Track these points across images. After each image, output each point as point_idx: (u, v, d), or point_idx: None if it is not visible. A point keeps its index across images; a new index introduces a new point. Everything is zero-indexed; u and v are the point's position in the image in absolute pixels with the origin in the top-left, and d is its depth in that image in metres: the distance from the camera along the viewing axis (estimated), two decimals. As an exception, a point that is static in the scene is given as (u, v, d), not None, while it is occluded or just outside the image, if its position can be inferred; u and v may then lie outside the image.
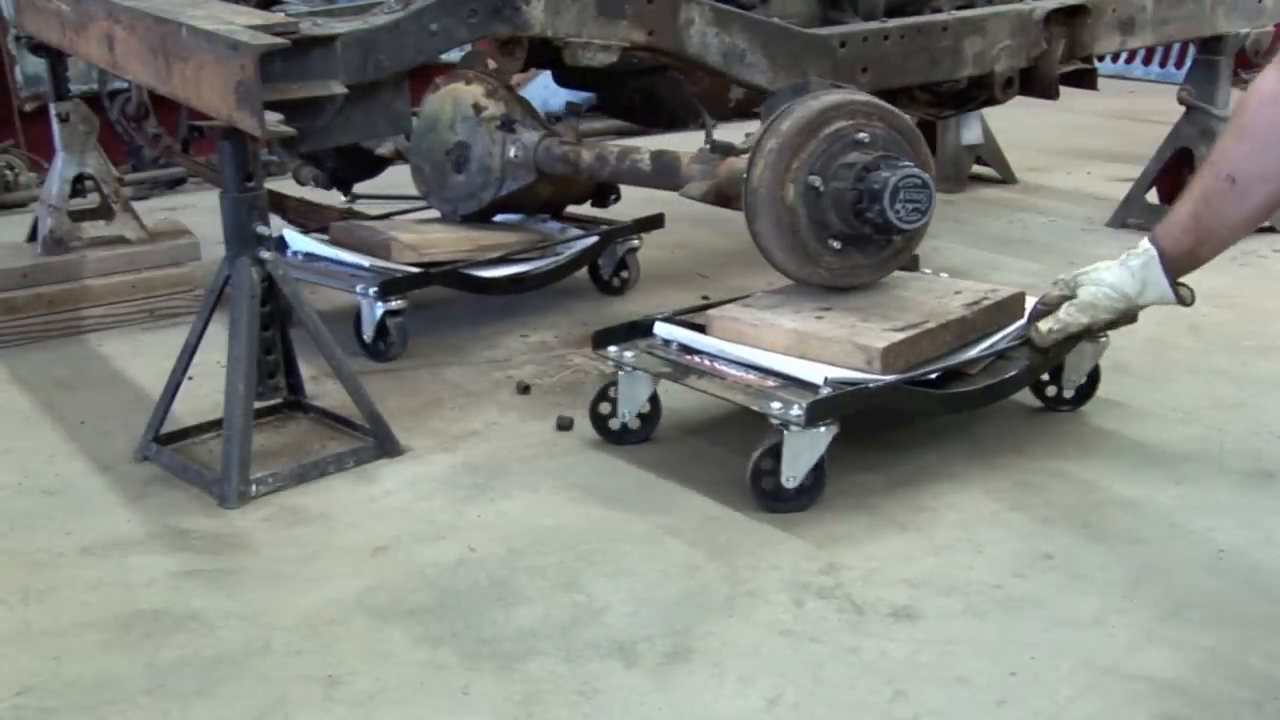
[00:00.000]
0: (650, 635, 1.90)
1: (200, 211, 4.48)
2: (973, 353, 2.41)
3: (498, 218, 3.47)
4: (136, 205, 3.78)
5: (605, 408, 2.56)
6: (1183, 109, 4.04)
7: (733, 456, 2.50)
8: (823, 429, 2.17)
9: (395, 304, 3.05)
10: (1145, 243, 2.21)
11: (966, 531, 2.17)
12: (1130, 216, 4.18)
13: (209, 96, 2.32)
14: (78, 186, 3.53)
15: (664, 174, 2.96)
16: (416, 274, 3.11)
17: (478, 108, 3.26)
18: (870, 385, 2.22)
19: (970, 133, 4.72)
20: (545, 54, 3.17)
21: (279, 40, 2.23)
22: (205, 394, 2.81)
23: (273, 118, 2.21)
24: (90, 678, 1.84)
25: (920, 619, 1.92)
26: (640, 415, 2.55)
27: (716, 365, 2.39)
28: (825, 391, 2.20)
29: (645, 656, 1.85)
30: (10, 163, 5.06)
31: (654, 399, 2.55)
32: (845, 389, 2.21)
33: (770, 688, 1.76)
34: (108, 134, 3.78)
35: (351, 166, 3.65)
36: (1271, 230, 4.05)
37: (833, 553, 2.11)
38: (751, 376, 2.32)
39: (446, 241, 3.25)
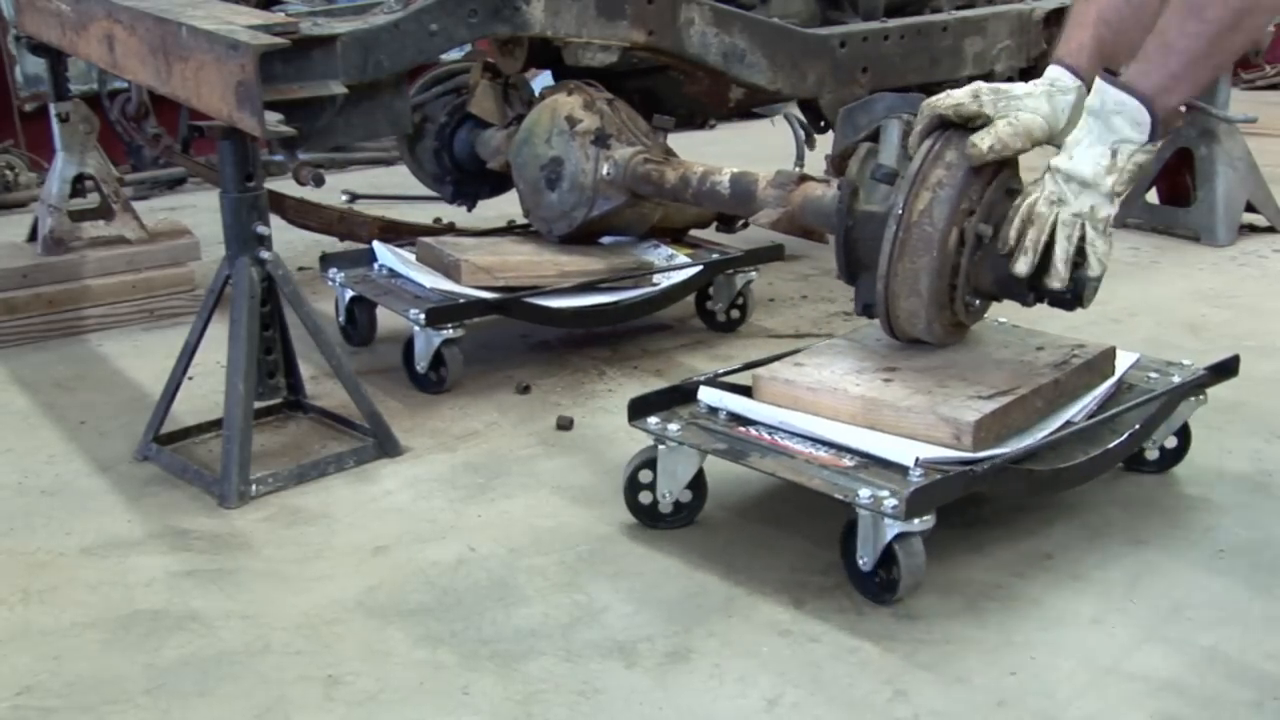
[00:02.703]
0: (650, 635, 1.90)
1: (200, 211, 4.48)
2: (1064, 418, 2.14)
3: (605, 240, 3.21)
4: (136, 205, 3.78)
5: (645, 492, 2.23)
6: (1183, 109, 4.04)
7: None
8: (916, 522, 1.87)
9: (450, 333, 2.82)
10: (1121, 96, 1.93)
11: (966, 531, 2.17)
12: (1130, 216, 4.17)
13: (209, 96, 2.32)
14: (78, 186, 3.53)
15: (741, 198, 2.71)
16: (470, 302, 2.86)
17: (571, 120, 3.02)
18: (976, 470, 1.92)
19: (970, 133, 4.71)
20: (545, 54, 3.18)
21: (279, 40, 2.23)
22: (205, 394, 2.81)
23: (273, 118, 2.21)
24: (90, 678, 1.84)
25: (920, 619, 1.92)
26: (683, 497, 2.21)
27: (778, 440, 2.09)
28: (917, 475, 1.90)
29: (645, 656, 1.85)
30: (10, 163, 5.06)
31: (700, 478, 2.20)
32: (945, 471, 1.91)
33: (770, 688, 1.76)
34: (108, 134, 3.78)
35: (476, 182, 3.46)
36: (1271, 230, 4.06)
37: (832, 553, 2.11)
38: (824, 454, 2.03)
39: (526, 265, 3.00)
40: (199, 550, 2.21)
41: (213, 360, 2.79)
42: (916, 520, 1.86)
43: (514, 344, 3.21)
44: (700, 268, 3.09)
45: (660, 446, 2.15)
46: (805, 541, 2.16)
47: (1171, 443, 2.35)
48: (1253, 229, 4.07)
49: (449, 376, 2.86)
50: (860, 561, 1.93)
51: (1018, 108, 2.05)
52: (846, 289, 2.28)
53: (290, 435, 2.68)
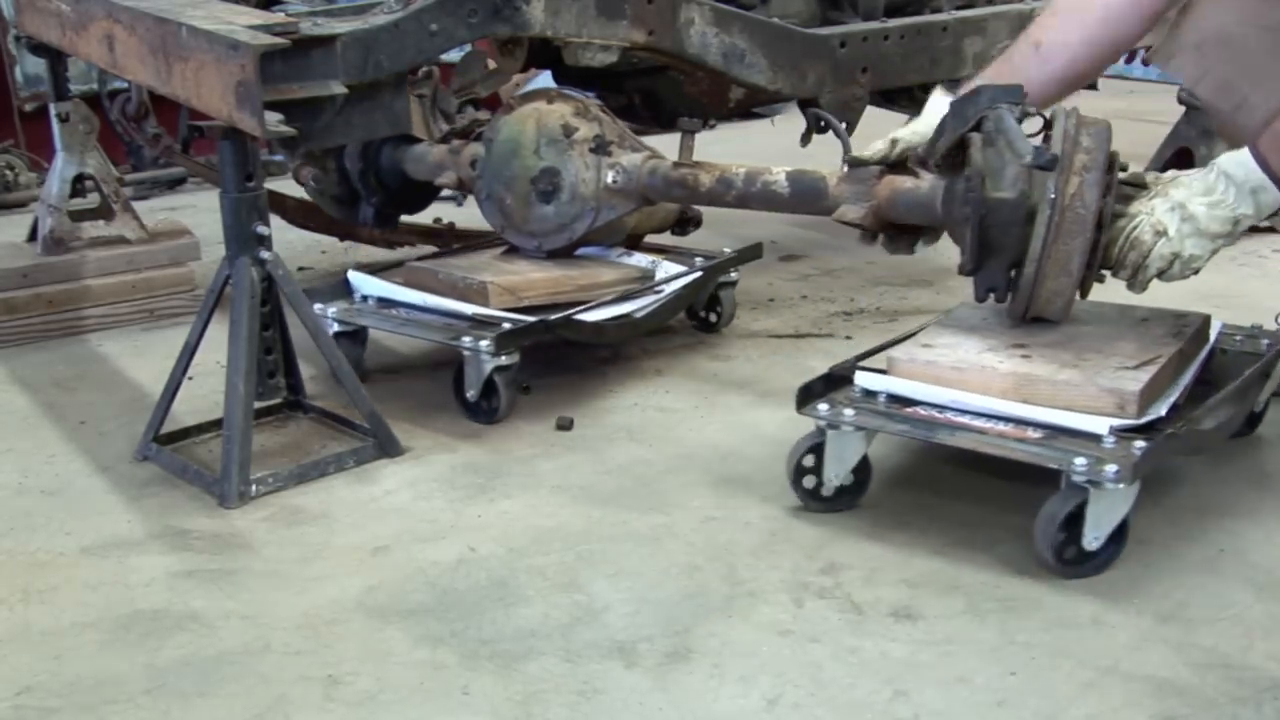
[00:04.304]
0: (650, 635, 1.90)
1: (200, 211, 4.48)
2: (1183, 384, 2.22)
3: (578, 252, 3.09)
4: (136, 205, 3.78)
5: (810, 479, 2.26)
6: (1182, 109, 4.04)
7: (731, 456, 2.50)
8: (1128, 486, 1.97)
9: (505, 360, 2.66)
10: (1269, 183, 2.11)
11: (967, 531, 2.17)
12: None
13: (209, 96, 2.32)
14: (78, 186, 3.53)
15: (807, 197, 2.61)
16: (533, 323, 2.70)
17: (567, 129, 2.90)
18: (1177, 432, 2.05)
19: (971, 133, 4.71)
20: (545, 54, 3.18)
21: (279, 40, 2.23)
22: (205, 394, 2.81)
23: (273, 118, 2.21)
24: (90, 678, 1.84)
25: (920, 619, 1.92)
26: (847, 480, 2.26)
27: (951, 418, 2.13)
28: (1110, 442, 2.00)
29: (645, 656, 1.85)
30: (10, 163, 5.07)
31: (865, 461, 2.25)
32: (1149, 439, 2.00)
33: (770, 688, 1.76)
34: (108, 134, 3.78)
35: (398, 200, 3.33)
36: (1271, 230, 4.05)
37: (833, 552, 2.11)
38: (1006, 428, 2.09)
39: (543, 283, 2.88)
40: (199, 550, 2.21)
41: (213, 360, 2.79)
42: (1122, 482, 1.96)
43: (514, 344, 3.20)
44: (701, 273, 3.06)
45: (830, 431, 2.19)
46: (805, 542, 2.16)
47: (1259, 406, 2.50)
48: (1253, 229, 4.05)
49: (501, 406, 2.71)
50: (1091, 540, 2.00)
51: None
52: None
53: (290, 435, 2.68)
